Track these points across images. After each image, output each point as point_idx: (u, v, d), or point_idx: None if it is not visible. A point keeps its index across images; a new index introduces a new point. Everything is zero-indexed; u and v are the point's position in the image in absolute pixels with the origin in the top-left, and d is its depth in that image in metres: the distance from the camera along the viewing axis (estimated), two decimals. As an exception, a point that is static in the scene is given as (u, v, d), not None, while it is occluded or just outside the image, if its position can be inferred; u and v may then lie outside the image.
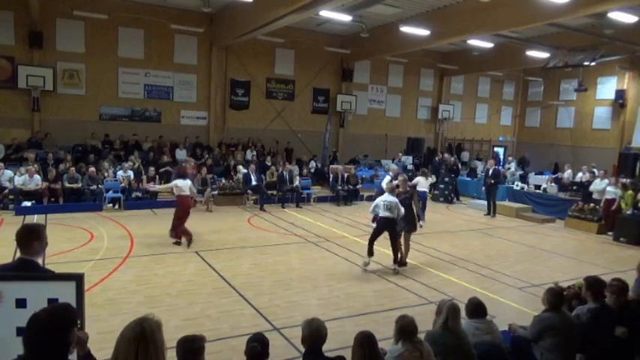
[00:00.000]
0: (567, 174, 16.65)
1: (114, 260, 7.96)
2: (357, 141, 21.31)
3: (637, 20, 12.81)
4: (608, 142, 21.52)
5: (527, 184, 16.52)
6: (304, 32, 18.86)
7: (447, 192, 16.70)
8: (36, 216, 11.02)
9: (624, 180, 13.64)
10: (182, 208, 9.22)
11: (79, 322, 2.47)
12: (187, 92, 17.69)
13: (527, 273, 8.50)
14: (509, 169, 18.85)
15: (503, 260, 9.38)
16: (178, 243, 9.13)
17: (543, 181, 16.01)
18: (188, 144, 17.08)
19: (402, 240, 8.39)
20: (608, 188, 12.86)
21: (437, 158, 19.94)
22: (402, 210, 7.94)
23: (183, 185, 9.20)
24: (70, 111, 15.78)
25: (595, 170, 15.01)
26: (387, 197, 8.00)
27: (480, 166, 19.75)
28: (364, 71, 21.55)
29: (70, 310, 2.39)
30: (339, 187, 15.42)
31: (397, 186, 8.56)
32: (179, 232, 9.16)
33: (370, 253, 8.09)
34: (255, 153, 17.68)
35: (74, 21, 15.21)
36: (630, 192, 12.41)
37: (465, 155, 23.24)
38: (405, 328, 3.41)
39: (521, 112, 26.40)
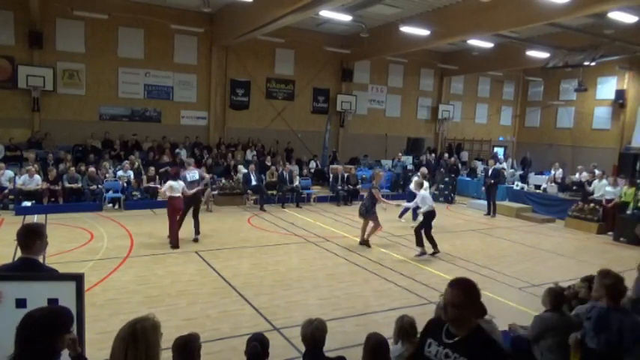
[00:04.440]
0: (559, 173, 16.67)
1: (114, 260, 7.96)
2: (357, 141, 21.30)
3: (637, 20, 12.81)
4: (608, 142, 21.49)
5: (527, 184, 16.52)
6: (304, 32, 18.85)
7: (447, 192, 16.70)
8: (36, 216, 11.02)
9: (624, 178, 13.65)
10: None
11: (73, 327, 2.43)
12: (187, 92, 17.69)
13: (527, 273, 8.50)
14: (503, 169, 18.81)
15: (503, 260, 9.38)
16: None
17: (543, 181, 16.01)
18: (188, 144, 17.08)
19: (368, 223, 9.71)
20: (607, 188, 12.87)
21: (423, 157, 19.85)
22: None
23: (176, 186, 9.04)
24: (70, 111, 15.77)
25: (596, 170, 14.98)
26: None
27: (480, 166, 19.72)
28: (364, 71, 21.54)
29: (65, 314, 2.36)
30: (339, 187, 15.43)
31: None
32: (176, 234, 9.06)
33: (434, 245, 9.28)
34: (255, 153, 17.68)
35: (74, 21, 15.20)
36: (632, 189, 12.39)
37: (465, 155, 23.23)
38: (405, 329, 3.41)
39: (521, 112, 26.38)
